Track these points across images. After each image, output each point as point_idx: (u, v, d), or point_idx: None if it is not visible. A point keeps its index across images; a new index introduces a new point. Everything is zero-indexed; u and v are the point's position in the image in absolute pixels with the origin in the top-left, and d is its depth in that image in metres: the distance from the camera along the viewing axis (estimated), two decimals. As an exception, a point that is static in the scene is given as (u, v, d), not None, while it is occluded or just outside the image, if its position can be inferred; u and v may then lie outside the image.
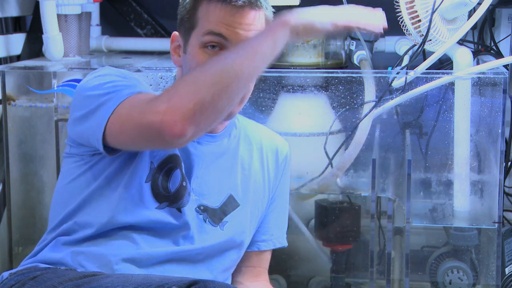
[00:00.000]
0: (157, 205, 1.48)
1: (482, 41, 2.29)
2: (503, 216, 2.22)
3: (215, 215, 1.55)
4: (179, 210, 1.50)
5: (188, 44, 1.51)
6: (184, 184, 1.51)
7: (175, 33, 1.56)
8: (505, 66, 1.99)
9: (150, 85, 1.95)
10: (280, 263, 2.15)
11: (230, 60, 1.30)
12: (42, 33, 2.18)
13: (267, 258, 1.71)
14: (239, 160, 1.62)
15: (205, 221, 1.54)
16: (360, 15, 1.44)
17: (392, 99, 1.93)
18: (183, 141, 1.28)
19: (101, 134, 1.37)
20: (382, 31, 1.46)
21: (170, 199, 1.49)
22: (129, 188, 1.47)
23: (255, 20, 1.47)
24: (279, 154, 1.69)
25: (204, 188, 1.55)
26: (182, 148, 1.53)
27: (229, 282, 1.62)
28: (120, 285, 1.27)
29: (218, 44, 1.46)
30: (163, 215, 1.48)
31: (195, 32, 1.48)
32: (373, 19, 1.45)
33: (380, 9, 1.48)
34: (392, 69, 1.96)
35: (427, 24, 1.84)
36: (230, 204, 1.58)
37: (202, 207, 1.54)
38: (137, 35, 2.58)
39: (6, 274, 1.46)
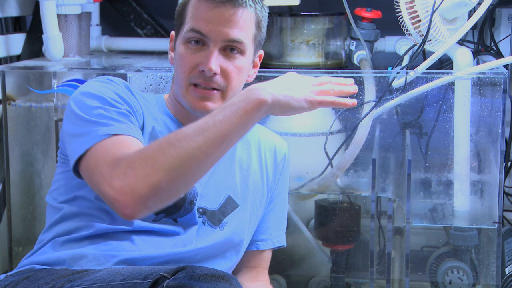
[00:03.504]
0: (154, 217, 1.49)
1: (482, 41, 2.29)
2: (503, 216, 2.22)
3: (214, 216, 1.55)
4: (175, 220, 1.50)
5: (176, 41, 1.54)
6: (182, 196, 1.51)
7: (172, 33, 1.59)
8: (505, 66, 1.99)
9: (150, 85, 1.95)
10: (280, 263, 2.15)
11: (195, 143, 1.26)
12: (42, 33, 2.18)
13: (267, 258, 1.71)
14: (237, 160, 1.62)
15: (204, 224, 1.54)
16: (332, 86, 1.41)
17: (392, 99, 1.93)
18: (134, 219, 1.30)
19: (72, 163, 1.38)
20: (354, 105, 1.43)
21: (167, 210, 1.49)
22: None
23: (237, 18, 1.47)
24: (277, 154, 1.69)
25: (203, 190, 1.55)
26: None
27: None
28: (111, 277, 1.27)
29: (200, 39, 1.48)
30: (160, 226, 1.48)
31: (181, 29, 1.52)
32: (346, 88, 1.43)
33: (352, 80, 1.45)
34: (392, 69, 1.96)
35: (427, 24, 1.84)
36: (229, 205, 1.58)
37: (200, 210, 1.54)
38: (137, 35, 2.58)
39: (2, 276, 1.46)
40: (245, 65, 1.53)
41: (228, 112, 1.29)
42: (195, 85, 1.49)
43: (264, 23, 1.56)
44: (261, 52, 1.61)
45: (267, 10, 1.57)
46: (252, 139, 1.67)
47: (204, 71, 1.47)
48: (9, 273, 1.45)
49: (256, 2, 1.51)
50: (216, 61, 1.47)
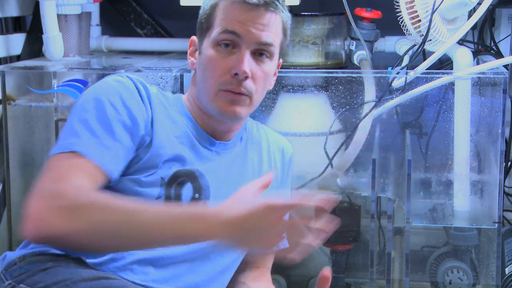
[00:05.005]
0: None
1: (482, 41, 2.29)
2: (503, 216, 2.22)
3: None
4: None
5: (203, 44, 1.52)
6: (197, 196, 1.50)
7: (193, 37, 1.58)
8: (505, 66, 1.99)
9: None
10: (280, 263, 2.15)
11: (126, 235, 1.23)
12: (42, 33, 2.18)
13: (270, 258, 1.71)
14: (249, 162, 1.62)
15: None
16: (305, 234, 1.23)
17: (392, 99, 1.93)
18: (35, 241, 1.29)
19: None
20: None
21: None
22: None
23: (270, 22, 1.48)
24: (285, 155, 1.70)
25: (221, 194, 1.53)
26: (200, 158, 1.53)
27: (227, 280, 1.61)
28: None
29: (232, 42, 1.47)
30: None
31: (210, 32, 1.50)
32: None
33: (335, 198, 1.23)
34: (392, 69, 1.96)
35: (427, 24, 1.84)
36: None
37: None
38: (137, 35, 2.58)
39: (12, 255, 1.40)
40: (271, 70, 1.53)
41: (174, 228, 1.22)
42: (224, 90, 1.49)
43: (289, 31, 1.57)
44: (281, 60, 1.62)
45: (291, 20, 1.58)
46: (262, 140, 1.67)
47: (237, 74, 1.46)
48: (21, 254, 1.39)
49: (285, 10, 1.54)
50: (248, 64, 1.47)
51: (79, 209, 1.24)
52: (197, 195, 1.50)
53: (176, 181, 1.48)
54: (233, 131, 1.59)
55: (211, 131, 1.56)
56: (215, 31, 1.49)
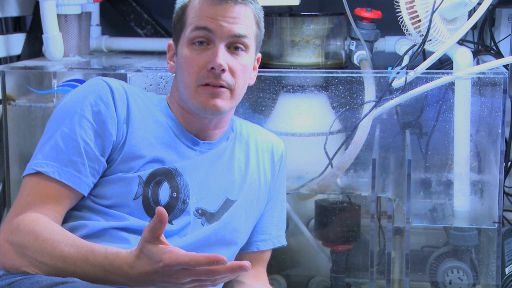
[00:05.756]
0: (149, 220, 1.47)
1: (482, 41, 2.29)
2: (503, 216, 2.22)
3: (212, 218, 1.55)
4: (170, 222, 1.50)
5: (178, 46, 1.53)
6: (175, 195, 1.51)
7: (170, 42, 1.59)
8: (505, 66, 1.99)
9: (150, 85, 1.95)
10: (280, 263, 2.15)
11: (57, 270, 1.33)
12: (42, 33, 2.18)
13: (266, 257, 1.72)
14: (235, 161, 1.62)
15: (203, 225, 1.54)
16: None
17: (392, 99, 1.93)
18: None
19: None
20: None
21: None
22: (121, 202, 1.47)
23: (241, 14, 1.50)
24: (274, 153, 1.70)
25: (203, 192, 1.55)
26: (183, 158, 1.54)
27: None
28: None
29: (205, 39, 1.49)
30: None
31: (184, 33, 1.52)
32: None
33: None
34: (392, 69, 1.96)
35: (427, 24, 1.84)
36: (227, 207, 1.58)
37: (200, 211, 1.54)
38: (137, 35, 2.58)
39: None
40: (249, 63, 1.54)
41: (98, 277, 1.31)
42: (203, 85, 1.49)
43: (262, 24, 1.58)
44: (259, 55, 1.63)
45: (263, 12, 1.59)
46: (250, 140, 1.67)
47: (213, 68, 1.47)
48: None
49: (255, 2, 1.55)
50: (223, 57, 1.48)
51: (24, 248, 1.37)
52: (175, 194, 1.50)
53: (154, 180, 1.48)
54: (217, 129, 1.59)
55: (195, 131, 1.57)
56: (188, 30, 1.50)
